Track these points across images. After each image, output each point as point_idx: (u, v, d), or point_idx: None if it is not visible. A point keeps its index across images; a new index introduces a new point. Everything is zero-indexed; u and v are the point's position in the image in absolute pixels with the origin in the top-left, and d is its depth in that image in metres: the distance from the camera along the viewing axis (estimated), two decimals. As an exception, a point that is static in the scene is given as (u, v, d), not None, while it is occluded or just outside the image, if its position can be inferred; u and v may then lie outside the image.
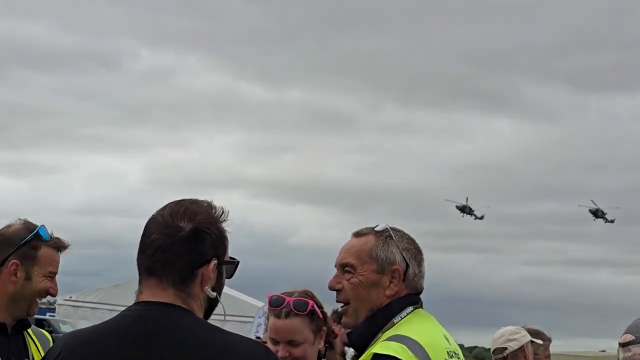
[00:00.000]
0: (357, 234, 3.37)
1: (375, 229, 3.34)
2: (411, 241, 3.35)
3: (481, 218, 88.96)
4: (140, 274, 2.56)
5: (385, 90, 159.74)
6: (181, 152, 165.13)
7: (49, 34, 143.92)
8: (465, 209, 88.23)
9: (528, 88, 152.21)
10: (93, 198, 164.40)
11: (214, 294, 2.58)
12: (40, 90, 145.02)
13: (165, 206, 2.60)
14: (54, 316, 45.75)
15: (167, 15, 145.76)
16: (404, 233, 3.37)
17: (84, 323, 40.53)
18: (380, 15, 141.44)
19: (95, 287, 47.27)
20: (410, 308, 3.25)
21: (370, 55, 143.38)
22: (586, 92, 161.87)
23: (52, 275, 3.71)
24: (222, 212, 2.62)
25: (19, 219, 3.74)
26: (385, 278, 3.25)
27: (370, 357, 3.03)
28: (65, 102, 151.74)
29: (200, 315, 2.55)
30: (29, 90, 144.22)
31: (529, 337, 6.05)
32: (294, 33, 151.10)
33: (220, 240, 2.59)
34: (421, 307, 3.32)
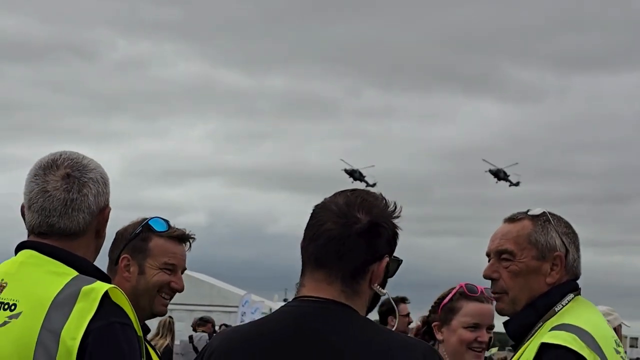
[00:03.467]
0: (511, 219, 3.21)
1: (530, 213, 3.18)
2: (568, 225, 3.21)
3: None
4: (305, 263, 2.47)
5: (365, 74, 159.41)
6: (159, 142, 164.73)
7: (23, 25, 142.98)
8: (499, 174, 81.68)
9: (512, 69, 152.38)
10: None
11: (384, 292, 2.49)
12: (14, 83, 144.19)
13: (338, 194, 2.49)
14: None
15: (144, 4, 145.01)
16: (561, 217, 3.22)
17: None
18: (359, 0, 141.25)
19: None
20: (571, 295, 3.11)
21: (350, 39, 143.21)
22: (570, 72, 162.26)
23: (170, 268, 3.48)
24: (395, 207, 2.51)
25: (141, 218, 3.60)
26: (546, 265, 3.10)
27: (537, 347, 2.89)
28: (40, 93, 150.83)
29: (363, 313, 2.46)
30: (2, 83, 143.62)
31: (620, 320, 5.94)
32: (272, 19, 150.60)
33: (393, 236, 2.49)
34: (580, 293, 3.16)
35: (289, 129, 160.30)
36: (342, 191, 2.49)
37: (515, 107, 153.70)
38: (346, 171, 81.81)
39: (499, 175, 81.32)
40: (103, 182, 2.75)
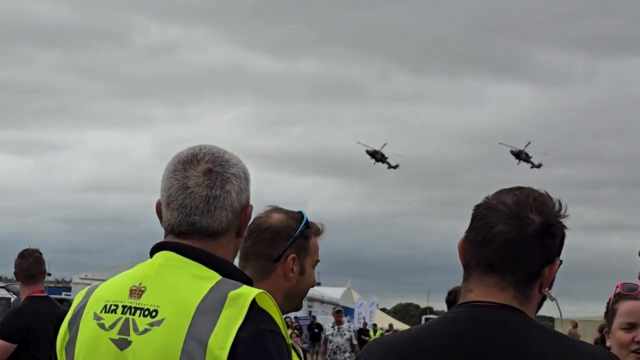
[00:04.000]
0: None
1: None
2: None
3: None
4: (472, 268, 2.32)
5: (395, 59, 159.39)
6: (189, 127, 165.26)
7: (55, 10, 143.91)
8: (521, 155, 79.49)
9: (540, 53, 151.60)
10: (99, 175, 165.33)
11: (554, 296, 2.36)
12: (45, 68, 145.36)
13: (503, 192, 2.36)
14: (69, 295, 45.78)
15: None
16: None
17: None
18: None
19: (111, 265, 47.46)
20: None
21: (380, 24, 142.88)
22: (598, 56, 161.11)
23: (316, 265, 3.34)
24: (561, 205, 2.36)
25: (269, 206, 3.34)
26: None
27: None
28: (71, 79, 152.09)
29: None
30: (34, 68, 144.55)
31: None
32: (303, 4, 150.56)
33: (563, 238, 2.35)
34: None
35: (319, 113, 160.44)
36: (507, 190, 2.36)
37: (544, 91, 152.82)
38: (368, 152, 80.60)
39: (521, 156, 79.68)
40: (245, 178, 2.57)
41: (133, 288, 2.44)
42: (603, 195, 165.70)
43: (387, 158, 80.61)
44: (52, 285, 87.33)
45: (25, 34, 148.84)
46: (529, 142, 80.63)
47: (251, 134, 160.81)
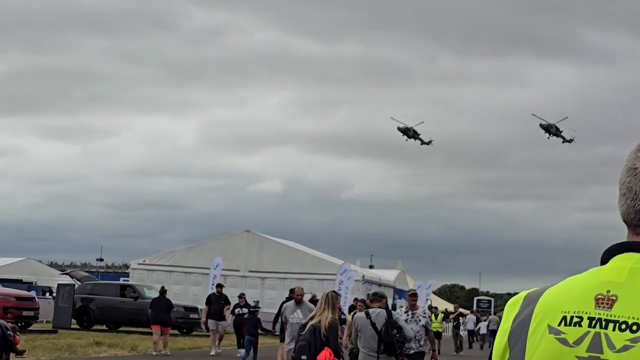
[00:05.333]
0: None
1: None
2: None
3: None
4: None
5: (440, 40, 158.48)
6: (235, 111, 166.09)
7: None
8: (551, 129, 77.72)
9: (586, 32, 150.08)
10: (147, 160, 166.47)
11: None
12: (91, 54, 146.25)
13: None
14: (127, 281, 46.29)
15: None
16: None
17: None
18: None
19: (168, 250, 47.96)
20: None
21: (424, 6, 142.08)
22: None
23: None
24: None
25: None
26: None
27: None
28: (117, 64, 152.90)
29: None
30: (80, 54, 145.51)
31: None
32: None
33: None
34: None
35: (363, 95, 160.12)
36: None
37: (590, 71, 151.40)
38: (399, 129, 79.32)
39: (550, 130, 77.78)
40: None
41: (599, 297, 2.03)
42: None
43: (419, 135, 79.42)
44: (104, 270, 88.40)
45: (72, 20, 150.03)
46: (566, 117, 79.28)
47: (296, 117, 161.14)
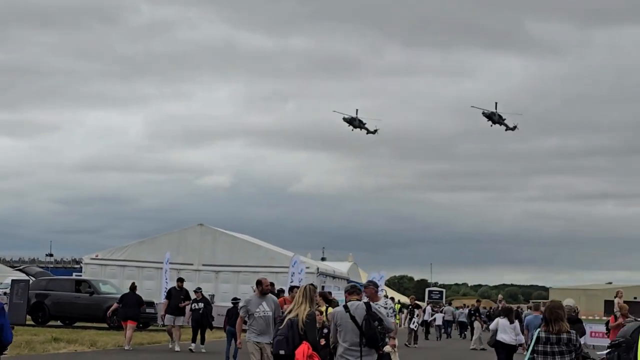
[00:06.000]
0: None
1: None
2: None
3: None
4: None
5: (387, 33, 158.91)
6: (183, 105, 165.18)
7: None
8: (494, 117, 77.45)
9: (533, 24, 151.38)
10: (94, 154, 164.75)
11: None
12: (38, 49, 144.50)
13: None
14: (80, 276, 45.90)
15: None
16: None
17: (115, 282, 40.79)
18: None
19: (121, 245, 47.65)
20: None
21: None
22: (591, 25, 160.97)
23: None
24: None
25: None
26: None
27: None
28: (64, 59, 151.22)
29: None
30: (27, 49, 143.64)
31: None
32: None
33: None
34: None
35: (311, 88, 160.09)
36: None
37: (536, 62, 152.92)
38: (345, 119, 78.83)
39: (493, 118, 77.57)
40: None
41: None
42: (594, 164, 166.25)
43: (365, 124, 79.22)
44: (53, 266, 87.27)
45: (18, 15, 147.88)
46: (496, 103, 78.88)
47: (244, 110, 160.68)
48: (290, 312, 11.80)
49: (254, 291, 15.29)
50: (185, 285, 28.66)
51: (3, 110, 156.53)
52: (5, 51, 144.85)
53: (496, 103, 78.81)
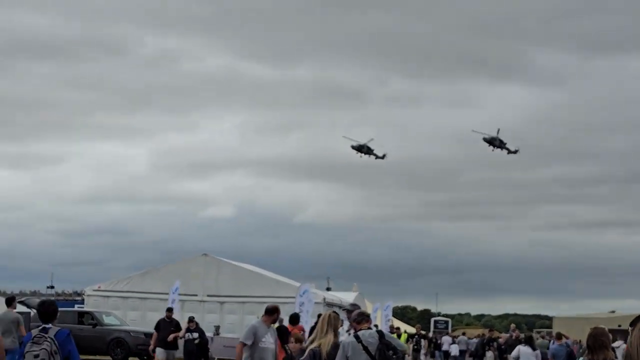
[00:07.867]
0: None
1: None
2: None
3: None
4: None
5: (391, 63, 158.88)
6: (187, 136, 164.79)
7: (51, 23, 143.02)
8: (494, 142, 77.43)
9: (535, 53, 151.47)
10: (97, 186, 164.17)
11: None
12: (42, 81, 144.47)
13: None
14: (82, 307, 45.17)
15: (171, 0, 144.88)
16: None
17: (118, 313, 40.08)
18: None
19: (124, 276, 46.95)
20: None
21: (375, 28, 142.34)
22: (594, 55, 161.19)
23: None
24: None
25: None
26: None
27: None
28: (67, 91, 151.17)
29: None
30: (30, 82, 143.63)
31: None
32: (297, 10, 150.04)
33: None
34: None
35: (315, 119, 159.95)
36: None
37: (540, 92, 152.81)
38: (353, 147, 78.72)
39: (494, 143, 77.57)
40: None
41: None
42: (597, 193, 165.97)
43: (373, 150, 79.07)
44: (54, 298, 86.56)
45: (20, 47, 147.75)
46: (499, 129, 78.74)
47: (249, 141, 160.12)
48: (312, 342, 11.11)
49: (258, 317, 14.59)
50: (192, 315, 27.83)
51: (5, 142, 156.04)
52: (7, 83, 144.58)
53: (498, 129, 78.72)
